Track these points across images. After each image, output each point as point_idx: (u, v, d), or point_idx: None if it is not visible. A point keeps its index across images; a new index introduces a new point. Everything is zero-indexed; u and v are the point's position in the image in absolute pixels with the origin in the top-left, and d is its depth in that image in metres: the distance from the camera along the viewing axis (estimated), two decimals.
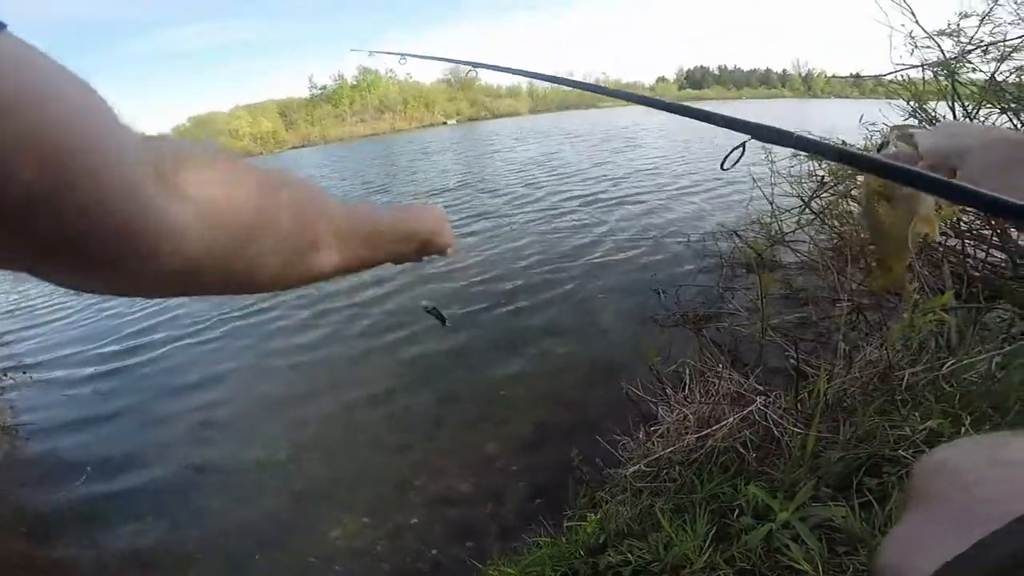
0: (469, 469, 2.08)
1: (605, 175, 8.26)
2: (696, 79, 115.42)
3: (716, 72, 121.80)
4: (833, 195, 2.92)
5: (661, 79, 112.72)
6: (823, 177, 2.97)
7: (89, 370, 3.33)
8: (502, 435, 2.25)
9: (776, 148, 3.21)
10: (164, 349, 3.40)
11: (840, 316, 1.85)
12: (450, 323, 2.64)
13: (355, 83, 65.29)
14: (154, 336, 3.63)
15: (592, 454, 1.93)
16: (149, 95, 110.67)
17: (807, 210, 3.01)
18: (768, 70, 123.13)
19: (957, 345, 1.67)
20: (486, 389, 2.59)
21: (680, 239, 4.22)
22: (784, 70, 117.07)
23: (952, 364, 1.52)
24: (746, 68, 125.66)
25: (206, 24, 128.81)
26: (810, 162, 3.06)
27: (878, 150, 0.69)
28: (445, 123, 56.38)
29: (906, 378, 1.51)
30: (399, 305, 3.61)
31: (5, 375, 3.29)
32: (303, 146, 53.05)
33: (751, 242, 3.22)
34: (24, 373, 3.35)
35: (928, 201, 0.70)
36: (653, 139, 13.74)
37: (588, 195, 6.76)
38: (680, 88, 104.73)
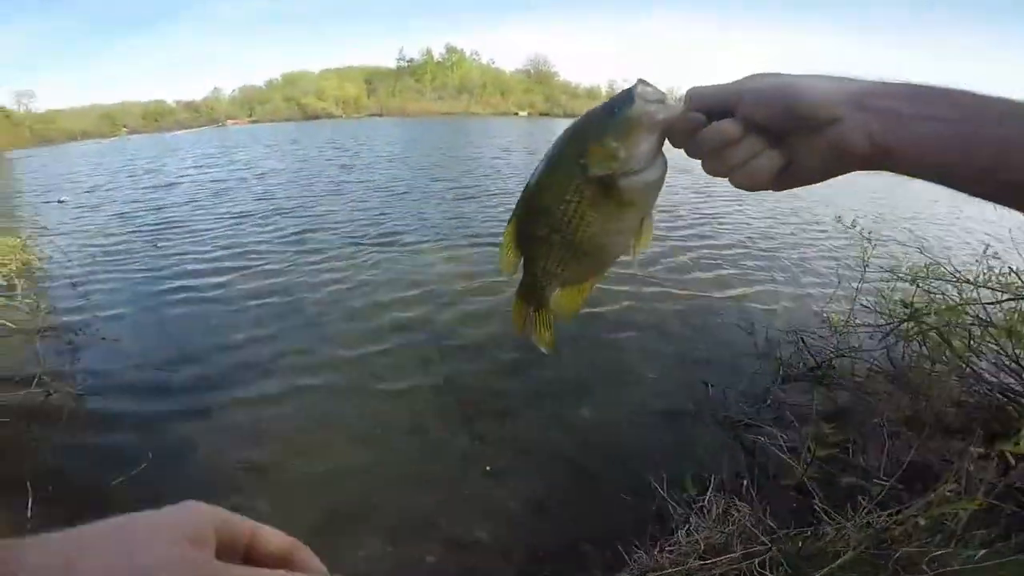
0: (489, 518, 2.16)
1: (698, 224, 6.96)
2: None
3: None
4: (922, 328, 2.75)
5: None
6: (914, 305, 2.80)
7: (157, 341, 3.57)
8: (525, 492, 2.31)
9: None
10: (234, 344, 3.52)
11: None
12: None
13: (441, 60, 66.65)
14: (228, 331, 3.71)
15: (607, 537, 2.00)
16: (245, 52, 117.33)
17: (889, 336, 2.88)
18: None
19: None
20: (515, 439, 2.64)
21: (744, 323, 3.97)
22: None
23: None
24: None
25: None
26: (914, 284, 2.93)
27: (608, 113, 0.49)
28: (517, 114, 56.83)
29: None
30: (470, 339, 3.59)
31: (77, 333, 3.54)
32: (380, 115, 54.99)
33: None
34: (97, 331, 3.58)
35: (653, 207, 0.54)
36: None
37: (692, 246, 5.83)
38: None
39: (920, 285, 2.93)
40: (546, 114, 57.24)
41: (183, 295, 4.32)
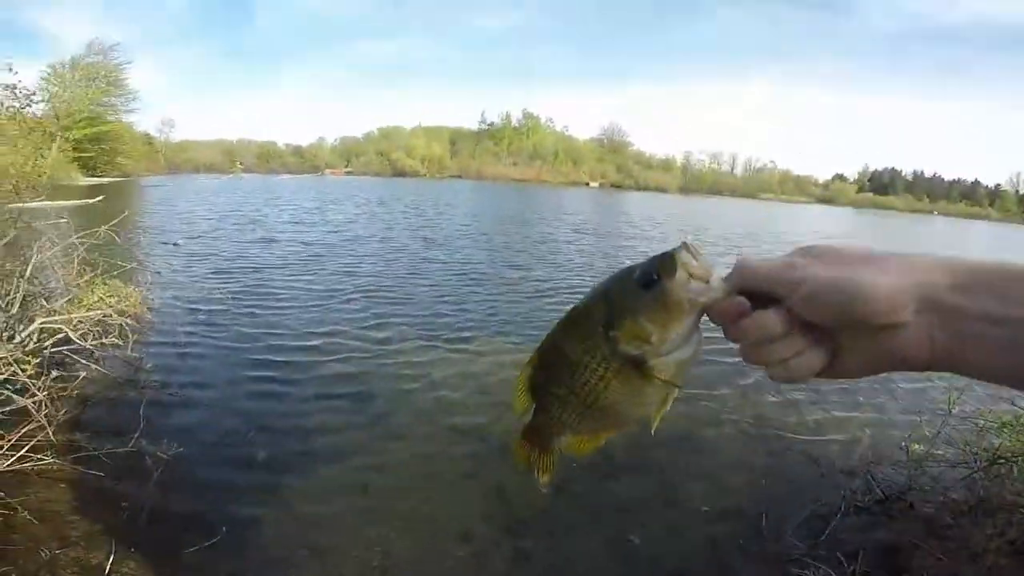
0: None
1: None
2: (882, 182, 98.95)
3: (909, 178, 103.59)
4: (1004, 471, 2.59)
5: (839, 176, 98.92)
6: (997, 453, 2.66)
7: (241, 415, 3.81)
8: None
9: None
10: (308, 428, 3.70)
11: None
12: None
13: (517, 126, 69.59)
14: (304, 415, 3.91)
15: None
16: (346, 101, 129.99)
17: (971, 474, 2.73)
18: (976, 182, 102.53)
19: None
20: (560, 560, 2.63)
21: (813, 451, 3.72)
22: (997, 185, 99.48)
23: None
24: (948, 177, 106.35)
25: (401, 41, 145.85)
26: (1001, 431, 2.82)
27: (645, 284, 0.46)
28: (588, 184, 57.60)
29: None
30: None
31: (173, 395, 3.88)
32: (460, 176, 57.77)
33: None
34: (190, 396, 3.89)
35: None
36: None
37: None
38: (860, 190, 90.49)
39: (1006, 435, 2.82)
40: (618, 185, 57.76)
41: (268, 372, 4.60)
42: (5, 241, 3.86)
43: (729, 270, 0.46)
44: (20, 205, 4.35)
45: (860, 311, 0.39)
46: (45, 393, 2.98)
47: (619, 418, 0.53)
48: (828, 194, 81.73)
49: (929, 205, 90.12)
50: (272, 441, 3.51)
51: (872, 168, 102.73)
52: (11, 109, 4.82)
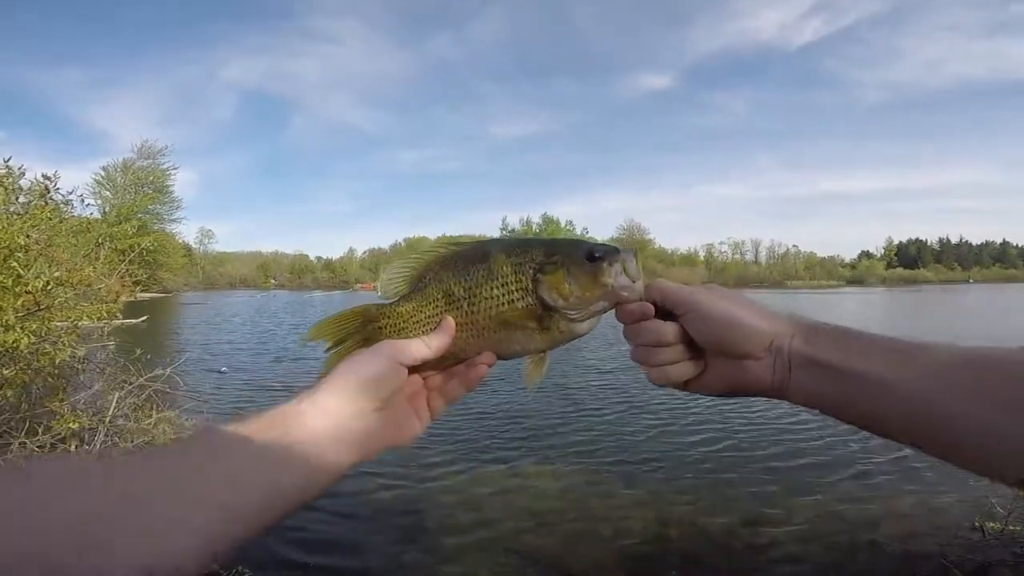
0: None
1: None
2: (910, 255, 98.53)
3: (936, 247, 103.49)
4: None
5: (865, 254, 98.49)
6: None
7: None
8: None
9: None
10: (358, 553, 3.69)
11: None
12: None
13: (538, 231, 69.50)
14: (352, 539, 3.87)
15: None
16: (374, 210, 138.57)
17: None
18: (1004, 243, 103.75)
19: None
20: None
21: (881, 539, 3.53)
22: None
23: None
24: (976, 241, 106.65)
25: (429, 152, 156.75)
26: None
27: (588, 256, 0.54)
28: None
29: None
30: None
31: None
32: None
33: None
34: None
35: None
36: None
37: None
38: (888, 266, 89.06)
39: None
40: None
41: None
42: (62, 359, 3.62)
43: (648, 282, 0.56)
44: (93, 324, 4.19)
45: (733, 342, 0.51)
46: None
47: (491, 339, 0.56)
48: (857, 274, 79.50)
49: (962, 273, 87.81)
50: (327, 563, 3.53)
51: (896, 241, 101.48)
52: (51, 201, 3.93)
